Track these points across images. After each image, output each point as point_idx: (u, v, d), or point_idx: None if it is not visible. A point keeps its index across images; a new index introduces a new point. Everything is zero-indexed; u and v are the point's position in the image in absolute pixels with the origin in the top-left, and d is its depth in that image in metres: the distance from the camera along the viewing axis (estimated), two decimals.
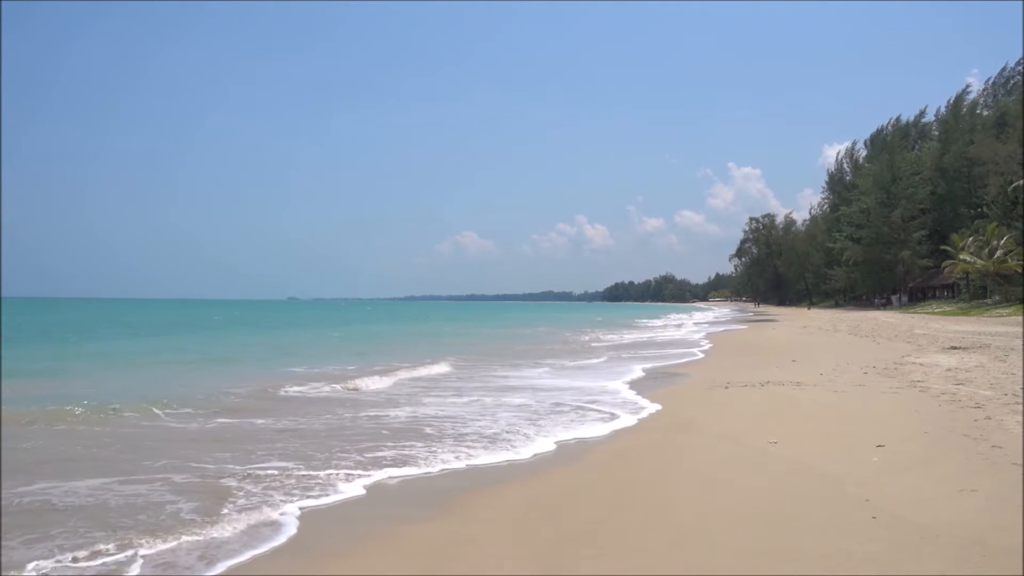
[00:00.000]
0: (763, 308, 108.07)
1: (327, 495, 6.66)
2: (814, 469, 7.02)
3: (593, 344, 30.68)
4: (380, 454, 8.30)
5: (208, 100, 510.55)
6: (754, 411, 10.86)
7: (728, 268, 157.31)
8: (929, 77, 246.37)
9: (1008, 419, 8.84)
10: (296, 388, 14.26)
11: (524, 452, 8.54)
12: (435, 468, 7.74)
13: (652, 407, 11.76)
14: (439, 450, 8.50)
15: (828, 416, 10.15)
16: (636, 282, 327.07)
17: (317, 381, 15.27)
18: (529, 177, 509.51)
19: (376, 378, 15.85)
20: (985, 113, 69.38)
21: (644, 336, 37.26)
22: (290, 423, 10.49)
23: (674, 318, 69.59)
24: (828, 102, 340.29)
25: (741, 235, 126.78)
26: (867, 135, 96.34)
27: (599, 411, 11.55)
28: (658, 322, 59.69)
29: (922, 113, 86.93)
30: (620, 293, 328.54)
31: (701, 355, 23.60)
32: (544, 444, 8.94)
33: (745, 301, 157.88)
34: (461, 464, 7.94)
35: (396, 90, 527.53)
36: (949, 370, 14.55)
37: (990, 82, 76.38)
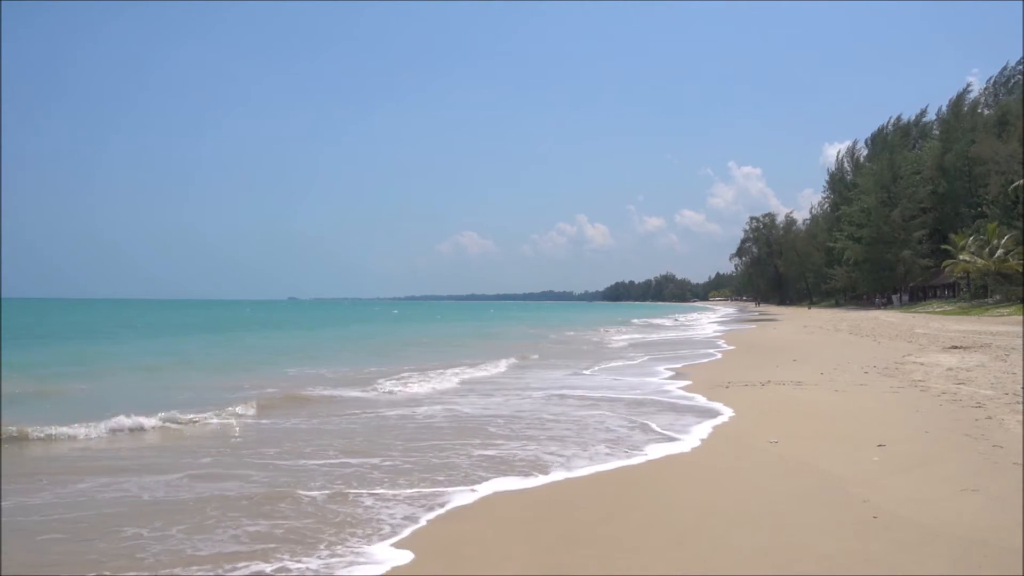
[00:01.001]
0: (764, 308, 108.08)
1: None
2: (814, 469, 7.01)
3: (618, 343, 30.82)
4: (490, 453, 8.16)
5: (212, 100, 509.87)
6: (755, 410, 10.84)
7: (729, 267, 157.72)
8: (930, 77, 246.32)
9: (1009, 419, 8.83)
10: (357, 391, 13.89)
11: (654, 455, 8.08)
12: (590, 469, 7.44)
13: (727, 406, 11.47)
14: (570, 454, 8.10)
15: (829, 416, 10.13)
16: (637, 282, 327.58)
17: (376, 382, 14.94)
18: (530, 177, 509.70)
19: (437, 379, 15.68)
20: (986, 112, 69.32)
21: (670, 335, 37.58)
22: (379, 423, 10.52)
23: (682, 318, 69.60)
24: (829, 102, 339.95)
25: (741, 234, 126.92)
26: (868, 134, 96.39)
27: (694, 407, 11.39)
28: (668, 321, 60.27)
29: (923, 112, 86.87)
30: (621, 293, 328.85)
31: (719, 355, 23.40)
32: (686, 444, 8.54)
33: (745, 301, 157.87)
34: (610, 465, 7.59)
35: (396, 91, 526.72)
36: (950, 369, 14.54)
37: (991, 81, 76.34)
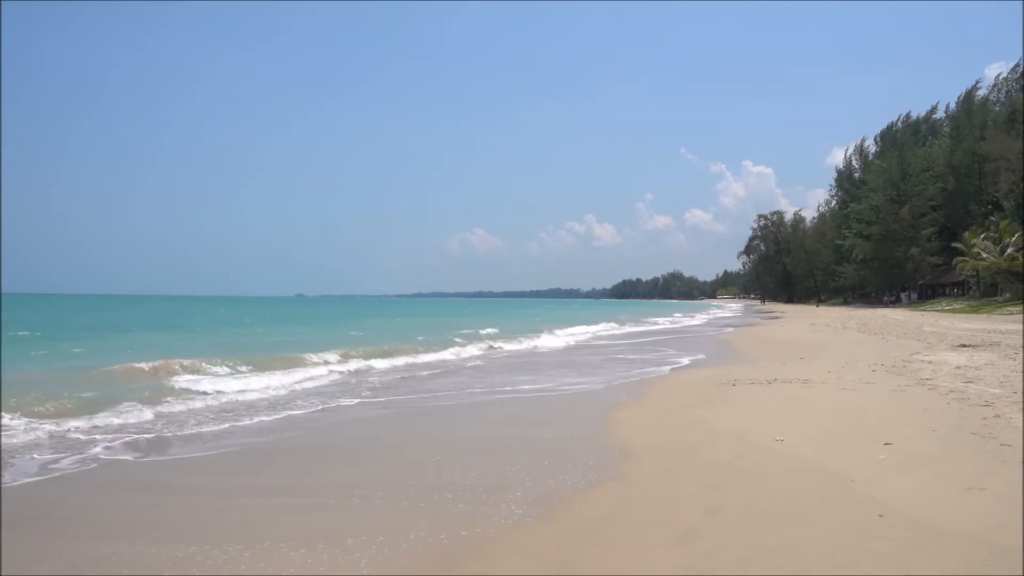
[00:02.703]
0: (771, 306, 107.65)
1: None
2: (821, 467, 6.98)
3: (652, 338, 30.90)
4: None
5: (214, 100, 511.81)
6: (761, 408, 10.81)
7: (736, 266, 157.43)
8: (948, 78, 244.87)
9: (1017, 417, 8.79)
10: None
11: None
12: None
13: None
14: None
15: (836, 414, 10.09)
16: (644, 279, 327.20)
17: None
18: (540, 175, 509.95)
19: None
20: (997, 109, 68.87)
21: (682, 331, 38.28)
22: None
23: (691, 316, 69.37)
24: (841, 103, 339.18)
25: (749, 233, 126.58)
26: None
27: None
28: (680, 318, 60.52)
29: (933, 109, 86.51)
30: (628, 290, 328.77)
31: (727, 352, 23.41)
32: None
33: (753, 299, 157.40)
34: None
35: (405, 88, 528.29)
36: (958, 368, 14.46)
37: (999, 77, 75.95)
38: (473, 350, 23.82)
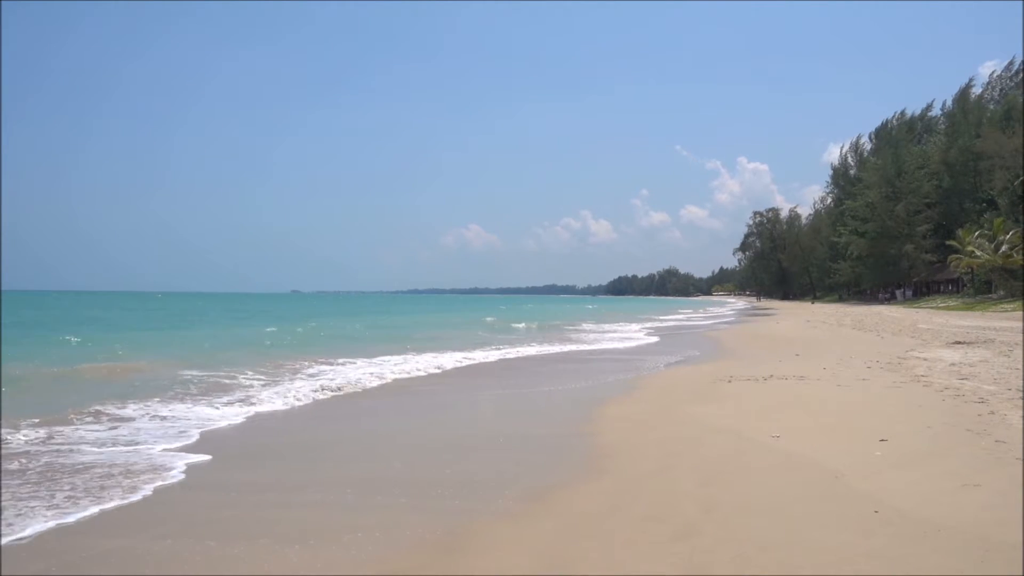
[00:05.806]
0: (766, 303, 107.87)
1: None
2: (816, 463, 7.00)
3: (645, 336, 30.93)
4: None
5: (209, 98, 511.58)
6: (757, 405, 10.83)
7: (732, 262, 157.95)
8: (937, 76, 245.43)
9: (1012, 414, 8.82)
10: None
11: None
12: None
13: None
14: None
15: (831, 410, 10.11)
16: (640, 276, 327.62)
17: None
18: (534, 171, 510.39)
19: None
20: (992, 107, 69.02)
21: (683, 329, 38.12)
22: None
23: (697, 312, 69.43)
24: (839, 101, 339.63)
25: (745, 229, 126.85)
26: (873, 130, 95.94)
27: None
28: (682, 316, 60.55)
29: (929, 107, 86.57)
30: (624, 287, 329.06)
31: (722, 350, 23.53)
32: None
33: (749, 295, 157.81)
34: None
35: (400, 82, 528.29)
36: (953, 365, 14.51)
37: (994, 75, 76.09)
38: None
